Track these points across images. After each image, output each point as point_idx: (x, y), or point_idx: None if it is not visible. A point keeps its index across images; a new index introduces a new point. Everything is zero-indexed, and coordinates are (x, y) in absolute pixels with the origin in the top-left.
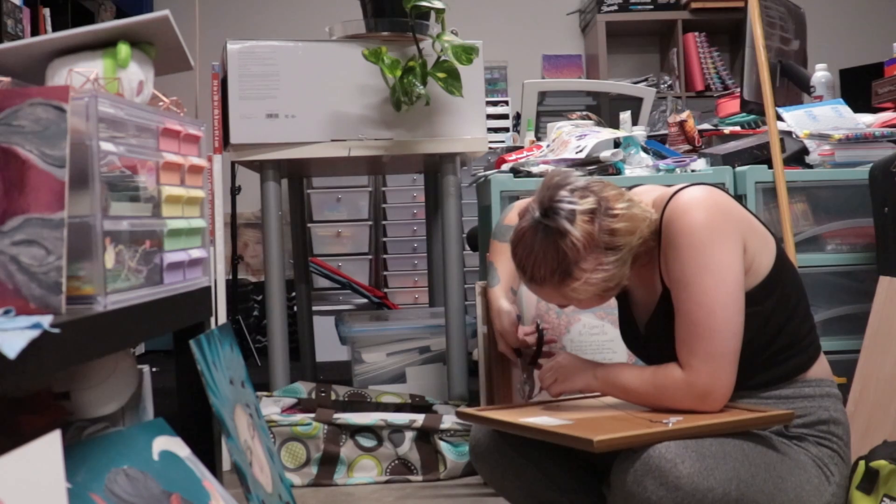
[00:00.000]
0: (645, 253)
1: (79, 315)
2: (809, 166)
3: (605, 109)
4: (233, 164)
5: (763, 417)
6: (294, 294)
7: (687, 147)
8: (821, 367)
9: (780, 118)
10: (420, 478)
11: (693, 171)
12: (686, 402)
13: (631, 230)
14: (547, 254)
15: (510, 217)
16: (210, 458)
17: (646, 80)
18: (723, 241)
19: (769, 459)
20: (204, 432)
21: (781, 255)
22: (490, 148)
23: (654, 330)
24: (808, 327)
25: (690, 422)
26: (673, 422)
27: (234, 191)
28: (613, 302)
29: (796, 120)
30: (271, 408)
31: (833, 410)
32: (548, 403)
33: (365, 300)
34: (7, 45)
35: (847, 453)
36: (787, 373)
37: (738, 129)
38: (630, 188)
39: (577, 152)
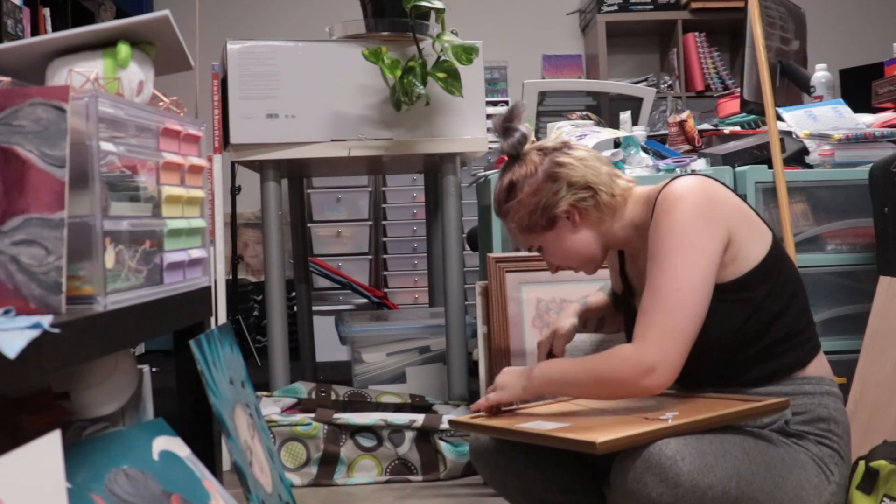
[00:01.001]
0: (638, 236)
1: (79, 315)
2: (809, 166)
3: (605, 109)
4: (233, 164)
5: (760, 406)
6: (294, 294)
7: (687, 147)
8: (820, 365)
9: (780, 118)
10: (420, 478)
11: (693, 171)
12: (629, 378)
13: (575, 168)
14: (500, 182)
15: None
16: (210, 458)
17: (646, 80)
18: (704, 226)
19: (769, 458)
20: (204, 432)
21: (777, 249)
22: (490, 148)
23: None
24: (806, 322)
25: (689, 416)
26: (671, 416)
27: (234, 191)
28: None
29: (796, 120)
30: (271, 408)
31: (833, 409)
32: (540, 410)
33: (365, 300)
34: (7, 45)
35: (847, 452)
36: (783, 367)
37: (738, 129)
38: None
39: None
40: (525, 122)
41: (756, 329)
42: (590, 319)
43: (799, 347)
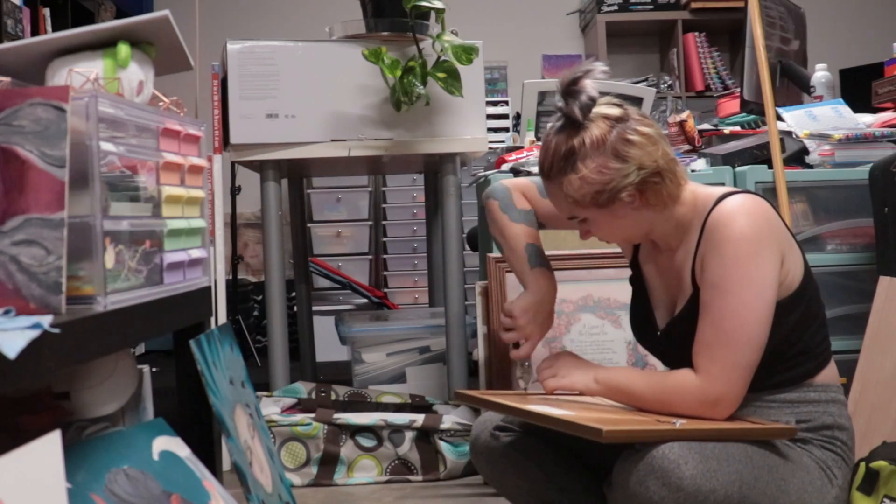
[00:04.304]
0: (678, 234)
1: (79, 315)
2: (809, 166)
3: None
4: (233, 164)
5: (767, 430)
6: (294, 294)
7: (687, 147)
8: (829, 373)
9: (780, 118)
10: (420, 478)
11: (693, 171)
12: (694, 408)
13: (645, 147)
14: (558, 145)
15: (518, 200)
16: (210, 458)
17: (646, 80)
18: (766, 254)
19: (772, 462)
20: (204, 432)
21: (808, 269)
22: (490, 148)
23: (676, 329)
24: (823, 336)
25: (697, 424)
26: (680, 423)
27: (234, 191)
28: (614, 302)
29: (796, 120)
30: (271, 408)
31: (838, 416)
32: (547, 396)
33: (365, 300)
34: (7, 45)
35: (851, 458)
36: (794, 377)
37: (738, 129)
38: None
39: None
40: (593, 83)
41: (780, 350)
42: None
43: (812, 360)
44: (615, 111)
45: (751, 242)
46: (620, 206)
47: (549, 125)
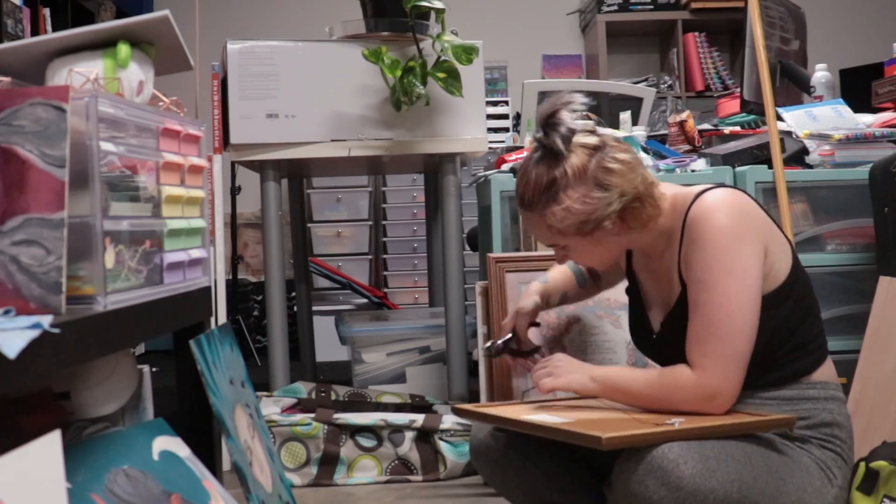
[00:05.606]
0: (661, 240)
1: (79, 315)
2: (809, 166)
3: (605, 109)
4: (233, 164)
5: (766, 421)
6: (294, 294)
7: (687, 147)
8: (826, 370)
9: (780, 118)
10: (420, 478)
11: (693, 171)
12: (693, 403)
13: (625, 175)
14: (539, 176)
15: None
16: (210, 458)
17: (646, 80)
18: (747, 244)
19: (772, 461)
20: (204, 432)
21: (797, 261)
22: (490, 148)
23: (670, 328)
24: (817, 331)
25: (695, 423)
26: (678, 422)
27: (234, 191)
28: (614, 302)
29: (796, 120)
30: (271, 408)
31: (836, 414)
32: (544, 403)
33: (365, 300)
34: (7, 45)
35: (850, 456)
36: (790, 374)
37: (738, 129)
38: None
39: None
40: (571, 115)
41: (773, 344)
42: (552, 296)
43: (807, 356)
44: (592, 140)
45: (729, 234)
46: (601, 234)
47: (524, 157)
